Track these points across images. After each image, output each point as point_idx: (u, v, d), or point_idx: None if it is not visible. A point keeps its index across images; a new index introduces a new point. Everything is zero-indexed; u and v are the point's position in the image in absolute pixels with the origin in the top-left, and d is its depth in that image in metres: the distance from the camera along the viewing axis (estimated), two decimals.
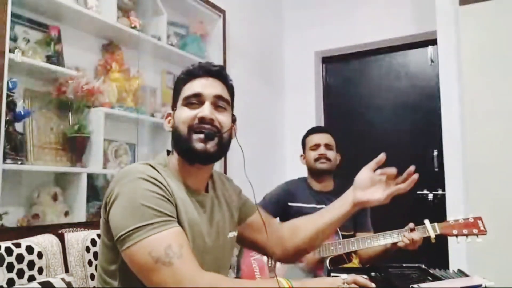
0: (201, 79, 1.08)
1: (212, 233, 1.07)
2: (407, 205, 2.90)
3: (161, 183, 0.97)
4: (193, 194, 1.06)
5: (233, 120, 1.12)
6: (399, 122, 3.10)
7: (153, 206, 0.92)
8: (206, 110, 1.03)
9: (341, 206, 1.22)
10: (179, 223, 0.97)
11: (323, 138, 2.07)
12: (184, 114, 1.05)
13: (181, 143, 1.05)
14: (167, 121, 1.13)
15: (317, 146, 2.05)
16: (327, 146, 2.05)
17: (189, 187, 1.07)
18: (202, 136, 1.02)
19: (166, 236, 0.90)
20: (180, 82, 1.10)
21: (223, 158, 1.95)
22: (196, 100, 1.06)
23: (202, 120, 1.03)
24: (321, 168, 2.01)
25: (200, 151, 1.02)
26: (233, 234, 1.17)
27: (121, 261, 0.97)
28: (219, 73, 1.10)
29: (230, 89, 1.13)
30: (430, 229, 1.56)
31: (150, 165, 1.01)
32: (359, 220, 1.99)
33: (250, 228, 1.24)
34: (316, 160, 2.02)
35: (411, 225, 1.62)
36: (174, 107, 1.11)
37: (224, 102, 1.08)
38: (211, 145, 1.03)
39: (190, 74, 1.09)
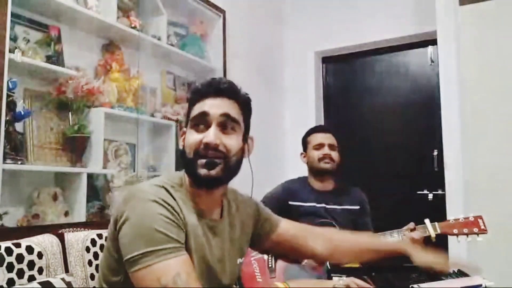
0: (209, 99, 1.04)
1: (219, 259, 1.07)
2: (407, 205, 2.91)
3: (173, 208, 0.96)
4: (204, 218, 1.06)
5: (246, 139, 1.09)
6: (399, 122, 3.10)
7: (164, 231, 0.92)
8: (211, 135, 1.00)
9: (387, 247, 1.33)
10: (187, 248, 0.97)
11: (327, 138, 2.06)
12: (191, 138, 1.03)
13: (187, 167, 1.04)
14: (182, 139, 1.09)
15: (321, 145, 2.04)
16: (331, 147, 2.04)
17: (202, 210, 1.06)
18: (204, 162, 1.00)
19: (175, 264, 0.90)
20: (190, 102, 1.08)
21: None
22: (202, 122, 1.03)
23: (207, 146, 1.00)
24: (325, 168, 2.01)
25: (203, 177, 1.00)
26: (239, 261, 1.17)
27: (125, 275, 0.96)
28: (228, 91, 1.05)
29: (244, 105, 1.08)
30: (431, 228, 1.56)
31: (163, 187, 1.00)
32: (360, 220, 1.99)
33: (283, 238, 1.26)
34: (320, 159, 2.02)
35: (411, 224, 1.62)
36: (186, 126, 1.09)
37: (233, 122, 1.04)
38: (215, 171, 1.00)
39: (198, 94, 1.06)
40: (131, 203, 0.96)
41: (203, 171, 1.00)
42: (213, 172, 1.00)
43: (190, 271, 0.91)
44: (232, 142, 1.03)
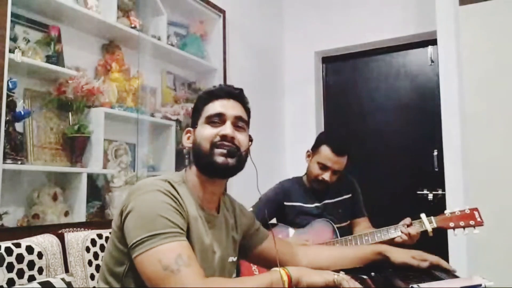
0: (222, 100, 1.15)
1: (215, 253, 1.12)
2: (407, 205, 2.91)
3: (176, 198, 1.03)
4: (204, 213, 1.12)
5: (250, 140, 1.18)
6: (399, 122, 3.10)
7: (167, 217, 0.97)
8: (228, 129, 1.11)
9: (363, 251, 1.39)
10: (188, 237, 1.02)
11: (336, 163, 1.88)
12: (207, 132, 1.12)
13: (202, 158, 1.11)
14: (187, 137, 1.19)
15: (325, 168, 1.89)
16: (334, 173, 1.91)
17: (202, 205, 1.13)
18: (224, 151, 1.09)
19: (176, 247, 0.95)
20: (201, 101, 1.17)
21: None
22: (218, 119, 1.12)
23: (224, 137, 1.10)
24: (314, 186, 1.96)
25: (221, 164, 1.08)
26: (232, 259, 1.21)
27: (129, 265, 1.01)
28: (239, 96, 1.18)
29: (248, 111, 1.21)
30: (427, 222, 1.55)
31: (167, 181, 1.06)
32: (356, 207, 2.02)
33: (266, 252, 1.31)
34: (316, 177, 1.92)
35: (407, 220, 1.61)
36: (194, 125, 1.17)
37: (243, 123, 1.16)
38: (232, 161, 1.10)
39: (212, 95, 1.16)
40: (135, 194, 1.02)
41: (220, 159, 1.08)
42: (230, 160, 1.09)
43: (191, 254, 0.96)
44: (243, 138, 1.14)
